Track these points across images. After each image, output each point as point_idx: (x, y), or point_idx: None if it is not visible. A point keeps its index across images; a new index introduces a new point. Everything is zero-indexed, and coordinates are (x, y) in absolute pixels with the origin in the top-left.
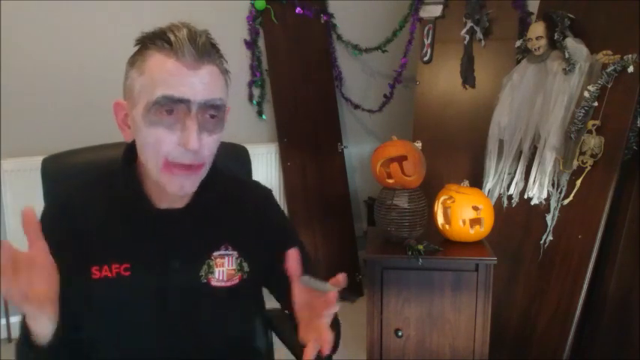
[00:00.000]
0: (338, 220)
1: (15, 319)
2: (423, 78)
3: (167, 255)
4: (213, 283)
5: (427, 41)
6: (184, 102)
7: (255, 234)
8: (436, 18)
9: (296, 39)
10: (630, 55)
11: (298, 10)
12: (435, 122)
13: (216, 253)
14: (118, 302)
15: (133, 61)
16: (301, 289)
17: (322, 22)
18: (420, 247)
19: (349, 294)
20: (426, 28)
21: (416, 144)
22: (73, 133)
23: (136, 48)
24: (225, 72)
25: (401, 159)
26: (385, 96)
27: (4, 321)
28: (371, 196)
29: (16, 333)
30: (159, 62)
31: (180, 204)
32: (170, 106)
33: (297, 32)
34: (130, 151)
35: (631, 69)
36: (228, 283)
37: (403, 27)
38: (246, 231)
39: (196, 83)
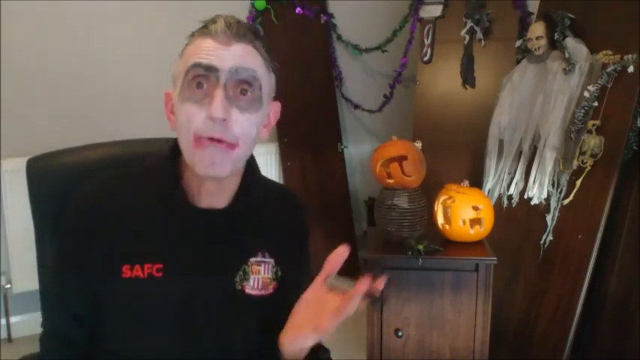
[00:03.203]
0: (338, 220)
1: (15, 319)
2: (423, 78)
3: (203, 257)
4: (248, 290)
5: (427, 41)
6: (212, 71)
7: (288, 245)
8: (436, 18)
9: (296, 39)
10: (630, 55)
11: (298, 10)
12: (435, 122)
13: (253, 260)
14: (145, 303)
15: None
16: (318, 288)
17: (322, 22)
18: (420, 247)
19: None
20: (426, 28)
21: (416, 144)
22: (74, 133)
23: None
24: (266, 58)
25: (401, 159)
26: (385, 96)
27: (4, 321)
28: (371, 196)
29: (16, 333)
30: (195, 44)
31: (220, 204)
32: (200, 80)
33: (297, 32)
34: (176, 146)
35: (631, 69)
36: (263, 292)
37: (403, 27)
38: (282, 240)
39: (226, 55)
